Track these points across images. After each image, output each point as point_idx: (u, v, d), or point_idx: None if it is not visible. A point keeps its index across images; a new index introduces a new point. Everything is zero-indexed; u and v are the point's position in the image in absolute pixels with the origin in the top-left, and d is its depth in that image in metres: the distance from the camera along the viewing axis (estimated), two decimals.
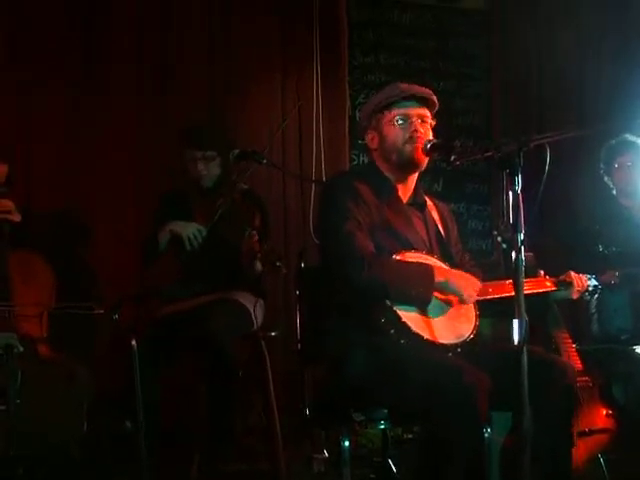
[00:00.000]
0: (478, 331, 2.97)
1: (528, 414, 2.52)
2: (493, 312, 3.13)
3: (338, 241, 2.96)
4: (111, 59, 4.87)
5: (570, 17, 5.80)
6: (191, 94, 5.00)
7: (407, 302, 2.89)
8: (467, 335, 2.93)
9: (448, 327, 2.93)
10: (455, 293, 2.97)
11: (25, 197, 4.46)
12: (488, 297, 3.06)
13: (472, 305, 3.01)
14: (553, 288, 3.24)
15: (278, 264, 3.67)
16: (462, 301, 2.97)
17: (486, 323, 3.03)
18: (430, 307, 2.93)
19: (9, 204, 3.88)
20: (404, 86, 3.14)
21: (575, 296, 3.29)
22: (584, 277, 3.34)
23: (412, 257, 2.99)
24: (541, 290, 3.22)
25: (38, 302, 3.79)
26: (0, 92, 4.63)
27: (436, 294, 2.95)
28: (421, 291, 2.89)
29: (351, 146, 5.39)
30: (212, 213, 4.06)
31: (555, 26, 5.82)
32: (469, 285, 2.98)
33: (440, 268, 3.00)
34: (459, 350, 2.88)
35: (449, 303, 2.98)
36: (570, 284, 3.27)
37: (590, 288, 3.38)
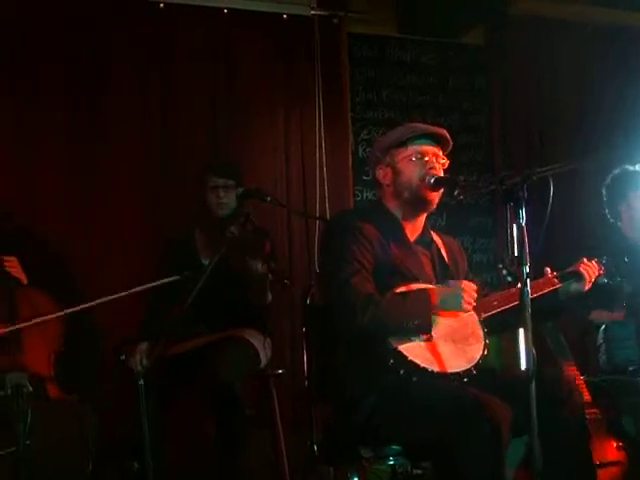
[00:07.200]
0: (489, 350, 2.96)
1: (538, 447, 2.52)
2: (501, 325, 3.13)
3: (334, 288, 2.98)
4: (114, 101, 4.89)
5: (570, 50, 5.84)
6: (194, 132, 5.03)
7: (410, 334, 2.89)
8: (479, 356, 2.93)
9: (457, 352, 2.93)
10: (454, 307, 2.95)
11: (26, 235, 4.47)
12: (495, 311, 3.06)
13: (478, 324, 3.01)
14: (557, 285, 3.21)
15: (286, 281, 3.74)
16: (462, 310, 2.95)
17: (494, 352, 3.02)
18: (436, 334, 2.93)
19: (15, 262, 3.88)
20: (421, 125, 3.20)
21: (587, 286, 3.25)
22: (593, 262, 3.31)
23: (415, 286, 2.99)
24: (548, 289, 3.18)
25: (46, 342, 3.79)
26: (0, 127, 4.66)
27: (440, 314, 2.94)
28: (421, 319, 2.88)
29: (355, 182, 5.41)
30: (222, 242, 4.05)
31: (555, 59, 5.87)
32: (464, 291, 2.94)
33: (435, 289, 2.98)
34: (474, 373, 2.88)
35: (455, 318, 2.97)
36: (579, 275, 3.23)
37: (602, 271, 3.35)
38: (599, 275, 3.34)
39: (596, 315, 4.20)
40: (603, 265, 3.38)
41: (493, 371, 3.07)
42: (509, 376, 3.03)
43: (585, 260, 3.30)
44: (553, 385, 2.84)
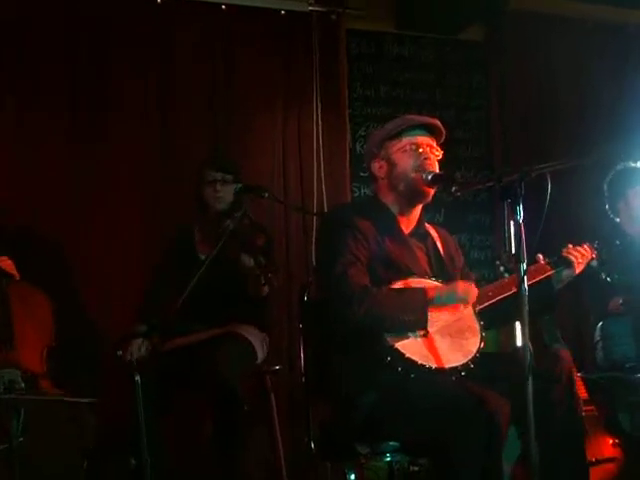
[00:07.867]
0: (486, 342, 2.97)
1: (535, 443, 2.52)
2: (497, 317, 3.13)
3: (331, 280, 2.98)
4: (113, 101, 4.88)
5: (569, 46, 5.83)
6: (193, 132, 5.01)
7: (405, 330, 2.89)
8: (476, 350, 2.93)
9: (454, 346, 2.93)
10: (454, 300, 2.97)
11: (26, 235, 4.47)
12: (491, 301, 3.06)
13: (474, 317, 3.01)
14: (550, 272, 3.22)
15: (270, 275, 3.83)
16: (465, 302, 2.98)
17: (492, 347, 3.02)
18: (433, 329, 2.93)
19: (7, 260, 3.88)
20: (415, 116, 3.22)
21: (578, 271, 3.26)
22: (585, 246, 3.32)
23: (411, 282, 3.00)
24: (540, 277, 3.19)
25: (38, 337, 3.79)
26: (1, 128, 4.65)
27: (436, 311, 2.94)
28: (416, 315, 2.89)
29: (352, 178, 5.40)
30: (218, 237, 4.05)
31: (554, 55, 5.86)
32: (463, 287, 2.99)
33: (431, 287, 2.99)
34: (472, 366, 2.88)
35: (451, 313, 2.98)
36: (568, 261, 3.24)
37: (594, 255, 3.37)
38: (591, 259, 3.34)
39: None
40: (595, 249, 3.37)
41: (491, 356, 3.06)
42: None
43: (570, 246, 3.29)
44: (548, 362, 2.83)
